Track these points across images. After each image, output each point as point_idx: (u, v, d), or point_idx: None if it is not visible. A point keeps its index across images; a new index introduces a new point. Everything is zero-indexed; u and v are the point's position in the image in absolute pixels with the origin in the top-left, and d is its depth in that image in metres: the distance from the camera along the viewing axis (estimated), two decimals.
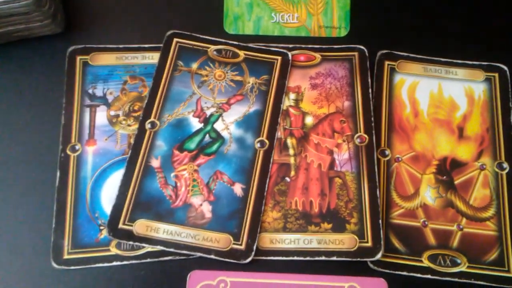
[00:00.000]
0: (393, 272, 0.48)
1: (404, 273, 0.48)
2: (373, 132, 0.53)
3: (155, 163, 0.51)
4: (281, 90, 0.55)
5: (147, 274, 0.48)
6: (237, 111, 0.54)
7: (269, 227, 0.49)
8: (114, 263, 0.48)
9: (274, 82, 0.56)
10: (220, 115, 0.54)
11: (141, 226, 0.48)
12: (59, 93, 0.54)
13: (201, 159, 0.52)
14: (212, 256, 0.47)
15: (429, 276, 0.48)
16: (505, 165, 0.53)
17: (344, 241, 0.49)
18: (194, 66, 0.56)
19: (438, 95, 0.56)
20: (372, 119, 0.54)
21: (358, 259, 0.48)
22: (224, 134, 0.53)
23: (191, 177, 0.51)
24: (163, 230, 0.48)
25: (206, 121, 0.54)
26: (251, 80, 0.56)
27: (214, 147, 0.52)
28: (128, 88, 0.55)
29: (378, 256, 0.48)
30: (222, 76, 0.56)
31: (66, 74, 0.55)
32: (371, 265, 0.48)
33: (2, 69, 0.55)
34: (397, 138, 0.54)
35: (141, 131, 0.52)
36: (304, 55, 0.58)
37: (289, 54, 0.57)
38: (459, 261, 0.49)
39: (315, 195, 0.51)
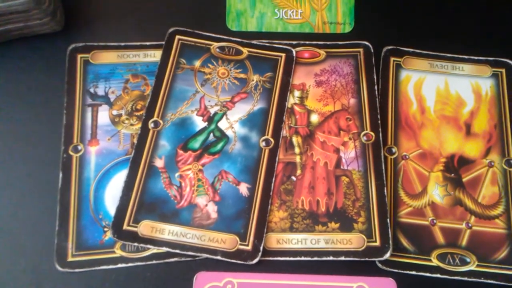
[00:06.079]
0: (402, 271, 0.47)
1: (413, 272, 0.48)
2: (380, 129, 0.52)
3: (159, 163, 0.50)
4: (286, 88, 0.54)
5: (153, 276, 0.47)
6: (241, 110, 0.53)
7: (276, 227, 0.49)
8: (119, 265, 0.47)
9: (279, 80, 0.55)
10: (224, 113, 0.53)
11: (146, 227, 0.47)
12: (60, 92, 0.53)
13: (206, 159, 0.51)
14: (219, 257, 0.47)
15: (438, 276, 0.47)
16: None
17: (352, 241, 0.48)
18: (197, 63, 0.55)
19: (444, 92, 0.55)
20: (379, 116, 0.53)
21: (366, 258, 0.47)
22: (229, 133, 0.52)
23: (196, 177, 0.50)
24: (168, 231, 0.47)
25: (210, 119, 0.53)
26: (255, 77, 0.55)
27: (219, 146, 0.52)
28: (130, 87, 0.54)
29: (387, 255, 0.47)
30: (226, 74, 0.55)
31: (66, 73, 0.54)
32: (379, 265, 0.48)
33: (2, 68, 0.54)
34: (404, 136, 0.53)
35: (144, 130, 0.51)
36: (308, 51, 0.57)
37: (293, 51, 0.56)
38: (468, 259, 0.48)
39: (322, 194, 0.50)
